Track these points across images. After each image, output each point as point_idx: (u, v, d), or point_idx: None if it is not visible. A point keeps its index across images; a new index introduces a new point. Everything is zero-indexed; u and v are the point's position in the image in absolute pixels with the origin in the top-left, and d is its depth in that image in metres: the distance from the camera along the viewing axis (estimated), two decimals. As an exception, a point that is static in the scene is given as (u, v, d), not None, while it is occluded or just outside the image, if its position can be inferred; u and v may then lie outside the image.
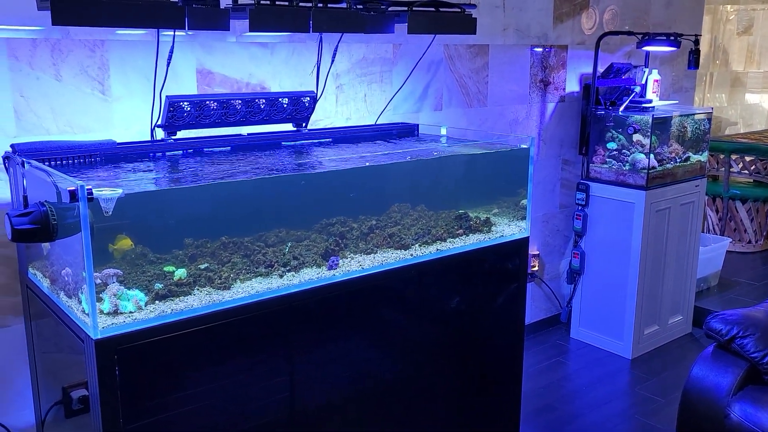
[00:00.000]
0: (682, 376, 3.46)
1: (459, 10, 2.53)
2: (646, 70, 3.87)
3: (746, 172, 5.41)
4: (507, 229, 2.48)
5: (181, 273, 1.82)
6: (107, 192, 1.59)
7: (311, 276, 1.99)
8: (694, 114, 3.86)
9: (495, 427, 2.58)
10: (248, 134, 2.46)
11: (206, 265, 1.90)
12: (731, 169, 5.35)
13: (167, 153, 2.25)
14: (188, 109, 2.19)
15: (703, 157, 3.86)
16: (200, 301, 1.80)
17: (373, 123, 2.90)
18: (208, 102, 2.23)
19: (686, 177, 3.73)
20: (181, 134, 2.28)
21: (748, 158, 5.37)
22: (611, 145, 3.66)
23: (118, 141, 2.17)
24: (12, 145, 1.97)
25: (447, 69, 3.22)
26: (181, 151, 2.27)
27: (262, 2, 2.03)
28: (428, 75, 3.15)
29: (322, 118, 2.76)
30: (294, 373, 1.99)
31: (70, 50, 2.16)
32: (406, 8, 2.38)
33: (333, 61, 2.68)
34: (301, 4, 2.10)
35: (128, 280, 1.78)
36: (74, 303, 1.73)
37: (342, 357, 2.09)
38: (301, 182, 2.14)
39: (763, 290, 4.48)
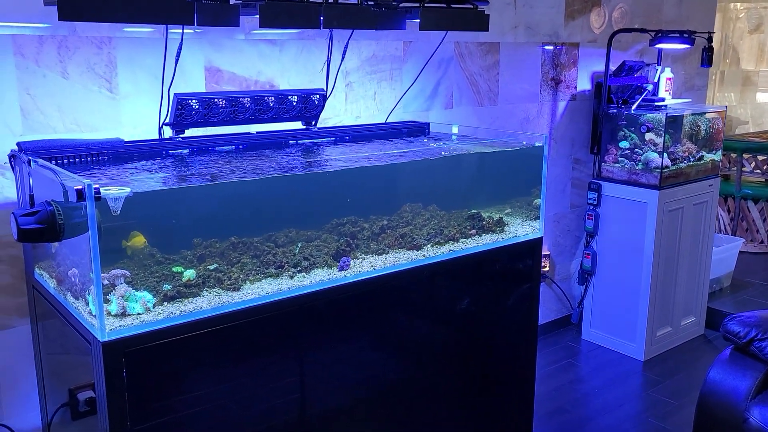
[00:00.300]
0: (695, 379, 3.40)
1: (471, 6, 2.49)
2: (659, 68, 3.81)
3: (758, 171, 5.34)
4: (520, 230, 2.44)
5: (189, 274, 1.78)
6: (115, 191, 1.55)
7: (322, 277, 1.95)
8: (707, 112, 3.80)
9: (508, 430, 2.54)
10: (257, 132, 2.42)
11: (215, 265, 1.86)
12: (743, 169, 5.28)
13: (175, 151, 2.21)
14: (197, 107, 2.16)
15: (717, 156, 3.80)
16: (209, 302, 1.76)
17: (383, 121, 2.86)
18: (216, 100, 2.19)
19: (699, 176, 3.68)
20: (189, 132, 2.24)
21: (760, 157, 5.31)
22: (624, 144, 3.61)
23: (126, 139, 2.14)
24: (18, 144, 1.94)
25: (457, 67, 3.18)
26: (189, 150, 2.24)
27: (272, -2, 1.99)
28: (438, 73, 3.10)
29: (331, 116, 2.72)
30: (304, 376, 1.95)
31: (77, 47, 2.12)
32: (417, 4, 2.34)
33: (343, 58, 2.64)
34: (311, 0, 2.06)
35: (136, 281, 1.75)
36: (81, 304, 1.70)
37: (353, 359, 2.05)
38: (313, 182, 2.10)
39: (776, 291, 4.42)
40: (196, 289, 1.77)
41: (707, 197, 3.73)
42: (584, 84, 3.79)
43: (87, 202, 1.51)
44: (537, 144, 2.46)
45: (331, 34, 2.58)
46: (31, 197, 1.79)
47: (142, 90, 2.26)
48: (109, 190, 1.56)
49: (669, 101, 3.79)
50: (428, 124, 2.82)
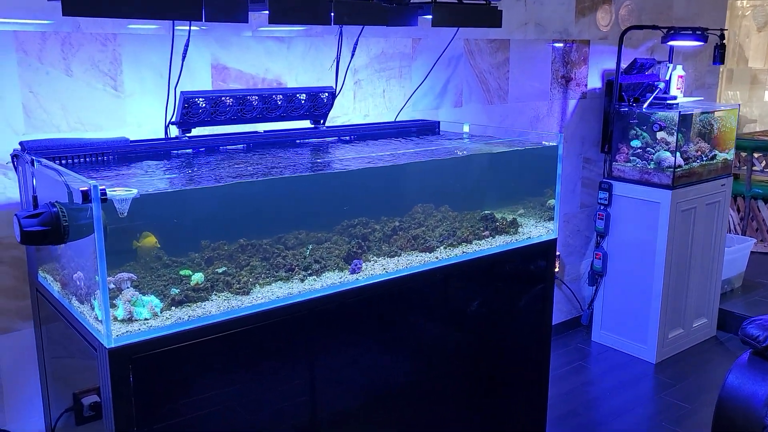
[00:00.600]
0: (708, 382, 3.35)
1: (484, 2, 2.43)
2: (670, 65, 3.75)
3: (769, 170, 5.29)
4: (534, 231, 2.38)
5: (198, 277, 1.73)
6: (122, 192, 1.50)
7: (334, 280, 1.90)
8: (720, 111, 3.74)
9: (520, 435, 2.49)
10: (264, 131, 2.37)
11: (224, 268, 1.81)
12: (753, 168, 5.22)
13: (182, 151, 2.16)
14: (203, 105, 2.11)
15: (730, 155, 3.74)
16: (218, 307, 1.71)
17: (393, 120, 2.80)
18: (224, 98, 2.14)
19: (712, 176, 3.62)
20: (196, 131, 2.19)
21: (770, 156, 5.25)
22: (635, 143, 3.55)
23: (131, 138, 2.08)
24: (21, 143, 1.88)
25: (467, 64, 3.12)
26: (195, 149, 2.18)
27: (281, -7, 1.94)
28: (448, 70, 3.05)
29: (339, 114, 2.67)
30: (315, 382, 1.90)
31: (80, 44, 2.07)
32: (429, 0, 2.29)
33: (353, 55, 2.58)
34: (321, -5, 2.01)
35: (142, 285, 1.69)
36: (87, 309, 1.64)
37: (365, 364, 2.00)
38: (323, 183, 2.04)
39: (788, 292, 4.36)
40: (204, 293, 1.72)
41: (720, 197, 3.68)
42: (595, 82, 3.74)
43: (93, 204, 1.46)
44: (551, 143, 2.40)
45: (341, 30, 2.53)
46: (35, 198, 1.74)
47: (147, 88, 2.21)
48: (115, 191, 1.51)
49: (681, 99, 3.73)
50: (438, 122, 2.76)
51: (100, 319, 1.55)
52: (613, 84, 3.59)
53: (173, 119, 2.14)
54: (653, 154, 3.47)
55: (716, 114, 3.72)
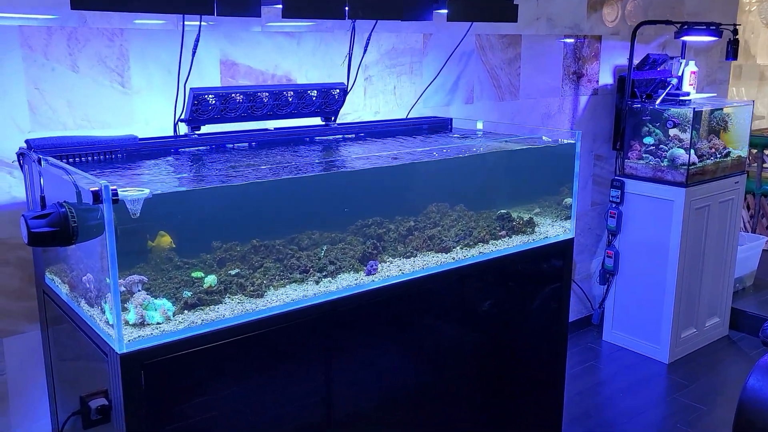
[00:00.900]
0: (722, 383, 3.30)
1: (499, -4, 2.38)
2: (683, 61, 3.70)
3: (779, 167, 5.22)
4: (551, 230, 2.33)
5: (211, 280, 1.67)
6: (134, 192, 1.45)
7: (349, 282, 1.85)
8: (734, 107, 3.69)
9: (536, 439, 2.44)
10: (275, 129, 2.32)
11: (237, 270, 1.75)
12: (764, 165, 5.16)
13: (191, 149, 2.10)
14: (213, 102, 2.05)
15: (743, 152, 3.69)
16: (232, 310, 1.65)
17: (404, 117, 2.75)
18: (234, 95, 2.09)
19: (726, 173, 3.57)
20: (205, 129, 2.13)
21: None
22: (648, 140, 3.50)
23: (139, 136, 2.03)
24: (27, 141, 1.83)
25: (478, 60, 3.06)
26: (205, 147, 2.13)
27: (294, -14, 1.88)
28: (459, 66, 2.99)
29: (350, 111, 2.61)
30: (332, 385, 1.85)
31: (87, 39, 2.02)
32: (444, -6, 2.23)
33: (365, 50, 2.53)
34: (335, -12, 1.96)
35: (154, 287, 1.64)
36: (97, 312, 1.59)
37: (382, 366, 1.95)
38: (336, 182, 1.99)
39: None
40: (217, 296, 1.67)
41: (733, 194, 3.62)
42: (606, 78, 3.68)
43: (104, 205, 1.41)
44: (569, 141, 2.35)
45: (354, 25, 2.47)
46: (42, 198, 1.69)
47: (155, 84, 2.15)
48: (127, 191, 1.45)
49: (693, 96, 3.68)
50: (451, 119, 2.71)
51: (111, 323, 1.50)
52: (626, 80, 3.53)
53: (182, 116, 2.09)
54: (666, 151, 3.42)
55: (730, 111, 3.67)
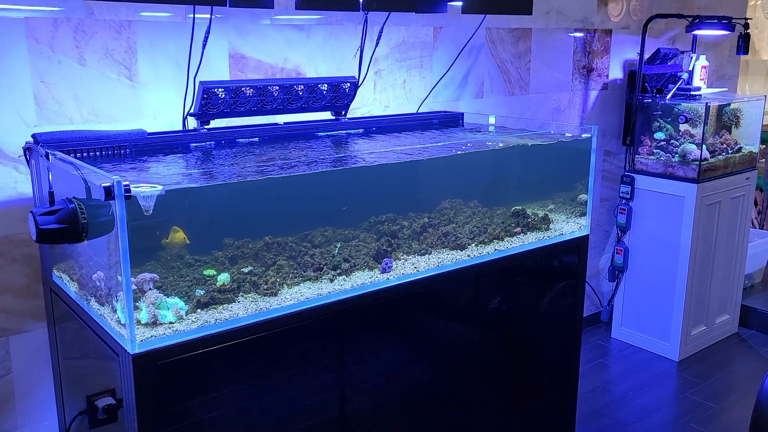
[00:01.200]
0: (734, 381, 3.27)
1: (513, -12, 2.33)
2: (693, 55, 3.65)
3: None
4: (566, 227, 2.29)
5: (224, 278, 1.63)
6: (146, 188, 1.40)
7: (364, 280, 1.81)
8: (746, 102, 3.64)
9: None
10: (285, 123, 2.27)
11: (250, 268, 1.71)
12: (772, 160, 5.13)
13: (201, 144, 2.06)
14: (223, 96, 2.01)
15: (755, 147, 3.65)
16: (246, 309, 1.61)
17: (414, 111, 2.70)
18: (244, 88, 2.04)
19: (737, 169, 3.53)
20: (214, 123, 2.09)
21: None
22: (659, 135, 3.45)
23: (148, 131, 1.99)
24: (34, 135, 1.79)
25: (488, 54, 3.02)
26: (215, 142, 2.09)
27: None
28: (469, 60, 2.94)
29: (359, 106, 2.57)
30: (348, 385, 1.81)
31: (94, 32, 1.97)
32: (458, -14, 2.19)
33: (378, 43, 2.48)
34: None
35: (165, 286, 1.60)
36: (107, 311, 1.55)
37: (397, 364, 1.91)
38: (349, 178, 1.95)
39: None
40: (230, 295, 1.63)
41: (744, 190, 3.59)
42: (616, 72, 3.64)
43: (116, 201, 1.36)
44: (584, 135, 2.30)
45: (366, 17, 2.42)
46: (51, 194, 1.64)
47: (163, 78, 2.11)
48: (139, 187, 1.41)
49: (704, 90, 3.64)
50: (462, 114, 2.66)
51: (123, 322, 1.46)
52: (636, 74, 3.49)
53: (191, 110, 2.05)
54: (678, 147, 3.37)
55: (741, 105, 3.62)
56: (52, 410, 2.07)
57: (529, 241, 2.17)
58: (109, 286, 1.54)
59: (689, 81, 3.61)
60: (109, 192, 1.36)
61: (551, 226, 2.27)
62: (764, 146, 5.10)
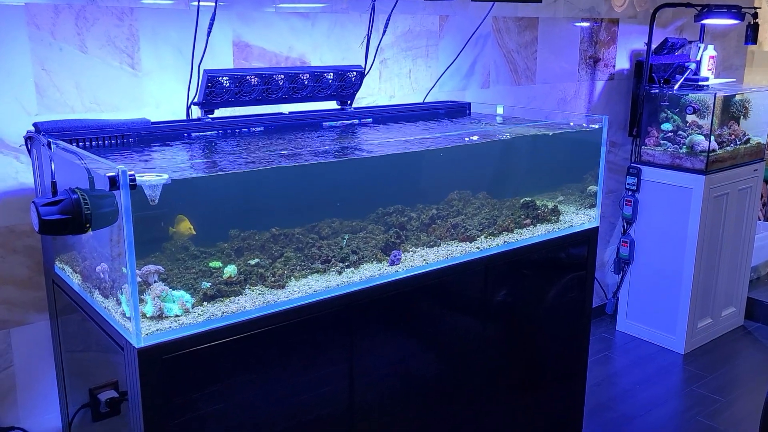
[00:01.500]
0: (740, 374, 3.25)
1: (522, -25, 2.29)
2: (701, 45, 3.61)
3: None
4: (576, 219, 2.26)
5: (231, 270, 1.60)
6: (152, 178, 1.37)
7: (372, 272, 1.77)
8: (755, 92, 3.60)
9: (558, 426, 2.38)
10: (289, 113, 2.23)
11: (257, 260, 1.68)
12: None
13: (205, 133, 2.02)
14: (227, 85, 1.97)
15: (763, 139, 3.61)
16: (253, 302, 1.58)
17: (421, 101, 2.66)
18: (248, 77, 2.00)
19: (745, 160, 3.49)
20: (218, 112, 2.05)
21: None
22: (666, 126, 3.42)
23: (151, 120, 1.95)
24: (35, 124, 1.75)
25: (495, 43, 2.97)
26: (219, 131, 2.05)
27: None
28: (475, 50, 2.90)
29: (364, 95, 2.53)
30: (357, 378, 1.78)
31: (96, 18, 1.93)
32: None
33: (385, 30, 2.44)
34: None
35: (171, 278, 1.57)
36: (112, 304, 1.52)
37: (406, 357, 1.88)
38: (356, 168, 1.91)
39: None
40: (237, 287, 1.60)
41: (752, 182, 3.55)
42: (623, 63, 3.59)
43: (121, 191, 1.33)
44: (594, 126, 2.27)
45: (374, 4, 2.38)
46: (53, 184, 1.60)
47: (166, 66, 2.07)
48: (144, 176, 1.37)
49: (712, 81, 3.59)
50: (469, 104, 2.63)
51: (128, 316, 1.42)
52: (643, 65, 3.44)
53: (195, 99, 2.01)
54: (685, 138, 3.34)
55: (750, 96, 3.58)
56: (54, 403, 2.05)
57: (539, 233, 2.14)
58: (113, 278, 1.50)
59: (697, 71, 3.57)
60: (114, 182, 1.33)
61: (561, 217, 2.24)
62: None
